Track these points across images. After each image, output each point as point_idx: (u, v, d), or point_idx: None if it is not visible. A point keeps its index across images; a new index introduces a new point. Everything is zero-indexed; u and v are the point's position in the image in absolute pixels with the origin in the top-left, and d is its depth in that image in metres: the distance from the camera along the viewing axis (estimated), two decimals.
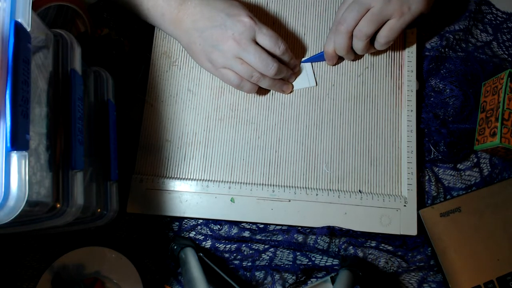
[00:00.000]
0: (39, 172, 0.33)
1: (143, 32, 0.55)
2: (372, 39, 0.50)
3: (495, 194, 0.53)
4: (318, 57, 0.55)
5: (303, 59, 0.55)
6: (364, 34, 0.48)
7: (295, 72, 0.54)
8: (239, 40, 0.47)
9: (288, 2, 0.57)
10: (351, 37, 0.50)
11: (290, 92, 0.54)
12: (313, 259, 0.52)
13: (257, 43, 0.49)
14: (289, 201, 0.51)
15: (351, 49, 0.51)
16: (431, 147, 0.55)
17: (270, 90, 0.54)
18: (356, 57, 0.54)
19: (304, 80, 0.54)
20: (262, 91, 0.54)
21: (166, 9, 0.50)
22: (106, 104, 0.48)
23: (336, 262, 0.51)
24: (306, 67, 0.55)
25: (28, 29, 0.31)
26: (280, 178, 0.52)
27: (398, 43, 0.56)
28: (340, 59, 0.54)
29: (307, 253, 0.52)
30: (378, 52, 0.55)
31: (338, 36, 0.50)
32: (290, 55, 0.52)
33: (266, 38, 0.48)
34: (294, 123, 0.54)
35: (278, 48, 0.49)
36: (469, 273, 0.50)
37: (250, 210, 0.50)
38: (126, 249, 0.49)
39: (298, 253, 0.52)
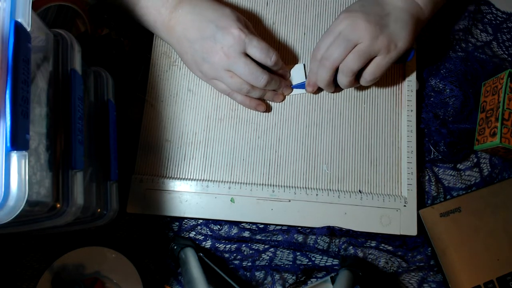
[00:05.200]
0: (39, 172, 0.33)
1: (143, 32, 0.55)
2: (357, 74, 0.49)
3: (495, 194, 0.53)
4: (302, 85, 0.54)
5: (292, 84, 0.54)
6: (350, 70, 0.48)
7: (287, 81, 0.53)
8: (228, 54, 0.47)
9: (288, 1, 0.57)
10: (335, 72, 0.49)
11: (282, 100, 0.54)
12: (313, 259, 0.52)
13: (247, 55, 0.48)
14: (289, 201, 0.51)
15: (332, 82, 0.51)
16: (431, 147, 0.55)
17: None
18: (336, 90, 0.53)
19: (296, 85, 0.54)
20: None
21: (158, 17, 0.50)
22: (106, 104, 0.48)
23: (336, 262, 0.51)
24: (299, 71, 0.54)
25: (28, 29, 0.31)
26: (280, 178, 0.52)
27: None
28: (320, 88, 0.54)
29: (307, 253, 0.52)
30: None
31: (322, 70, 0.49)
32: (282, 65, 0.51)
33: (256, 50, 0.48)
34: (294, 123, 0.54)
35: (269, 59, 0.48)
36: (469, 273, 0.50)
37: (250, 210, 0.50)
38: (126, 249, 0.49)
39: (298, 253, 0.52)
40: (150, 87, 0.54)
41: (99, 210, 0.44)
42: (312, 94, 0.54)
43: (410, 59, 0.51)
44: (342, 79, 0.49)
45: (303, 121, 0.54)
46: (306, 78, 0.54)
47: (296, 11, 0.57)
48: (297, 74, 0.54)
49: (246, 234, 0.52)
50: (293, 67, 0.54)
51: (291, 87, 0.54)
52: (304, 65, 0.55)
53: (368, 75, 0.49)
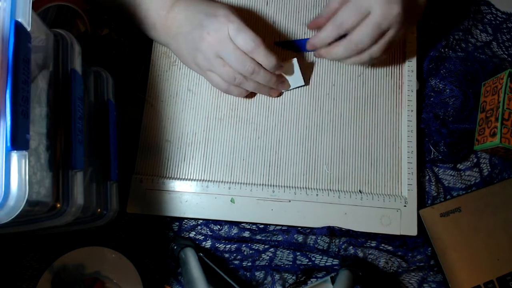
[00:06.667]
0: (39, 172, 0.33)
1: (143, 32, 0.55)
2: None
3: (495, 194, 0.53)
4: (299, 43, 0.55)
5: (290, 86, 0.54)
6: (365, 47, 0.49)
7: (279, 75, 0.52)
8: (215, 37, 0.47)
9: (288, 1, 0.57)
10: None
11: (278, 96, 0.54)
12: (313, 259, 0.52)
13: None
14: (289, 201, 0.51)
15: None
16: (431, 147, 0.55)
17: None
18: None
19: (291, 80, 0.53)
20: None
21: (157, 19, 0.50)
22: (106, 104, 0.48)
23: (336, 262, 0.51)
24: (294, 66, 0.53)
25: (28, 29, 0.31)
26: (280, 179, 0.52)
27: (398, 44, 0.56)
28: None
29: (307, 253, 0.52)
30: None
31: (347, 49, 0.49)
32: (267, 54, 0.48)
33: (240, 37, 0.46)
34: (294, 123, 0.54)
35: (250, 46, 0.46)
36: (469, 273, 0.50)
37: (250, 210, 0.50)
38: (126, 249, 0.49)
39: (298, 253, 0.52)
40: (150, 87, 0.54)
41: (99, 210, 0.44)
42: (312, 94, 0.54)
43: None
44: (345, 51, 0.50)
45: (303, 121, 0.54)
46: (300, 73, 0.53)
47: (296, 11, 0.57)
48: (291, 69, 0.53)
49: (246, 234, 0.52)
50: (288, 62, 0.53)
51: (287, 83, 0.53)
52: (297, 58, 0.52)
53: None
